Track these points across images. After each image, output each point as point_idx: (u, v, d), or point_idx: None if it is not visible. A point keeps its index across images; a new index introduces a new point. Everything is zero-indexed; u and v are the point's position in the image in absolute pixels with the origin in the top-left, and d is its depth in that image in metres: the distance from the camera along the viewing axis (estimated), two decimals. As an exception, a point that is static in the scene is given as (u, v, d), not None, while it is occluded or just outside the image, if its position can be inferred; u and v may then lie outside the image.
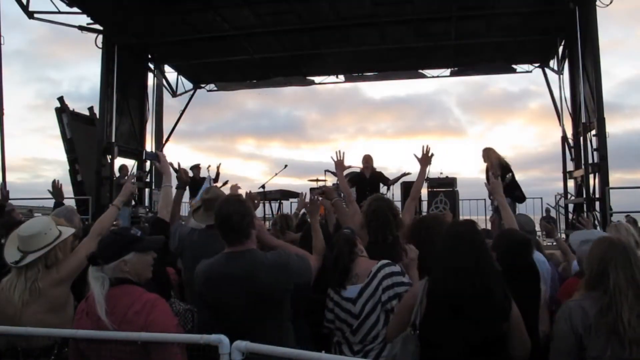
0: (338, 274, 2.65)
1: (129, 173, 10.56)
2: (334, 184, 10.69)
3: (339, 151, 4.03)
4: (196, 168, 10.90)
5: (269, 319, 2.33)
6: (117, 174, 10.72)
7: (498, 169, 7.62)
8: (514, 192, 7.85)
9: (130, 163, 11.83)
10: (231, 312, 2.32)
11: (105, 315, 1.97)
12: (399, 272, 2.65)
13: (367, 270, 2.65)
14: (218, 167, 10.91)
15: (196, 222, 3.49)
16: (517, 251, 2.80)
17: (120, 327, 1.99)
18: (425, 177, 4.12)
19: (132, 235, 2.24)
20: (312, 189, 10.21)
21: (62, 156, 10.99)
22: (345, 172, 4.13)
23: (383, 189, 9.53)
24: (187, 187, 12.17)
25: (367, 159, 9.18)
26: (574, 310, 2.14)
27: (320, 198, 3.43)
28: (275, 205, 10.42)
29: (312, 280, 2.57)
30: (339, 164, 4.00)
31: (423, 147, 3.94)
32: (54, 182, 4.57)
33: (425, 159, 3.92)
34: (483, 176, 8.45)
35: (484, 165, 8.39)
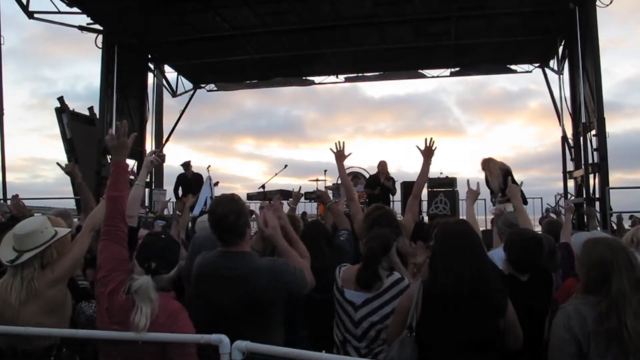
0: (368, 274, 2.54)
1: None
2: (334, 184, 10.72)
3: (339, 142, 3.95)
4: (187, 166, 10.56)
5: (257, 322, 2.32)
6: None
7: (501, 179, 7.49)
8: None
9: (130, 163, 11.82)
10: (220, 312, 2.30)
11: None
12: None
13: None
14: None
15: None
16: (528, 250, 2.76)
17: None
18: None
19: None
20: (307, 193, 10.21)
21: (60, 156, 10.99)
22: (347, 172, 4.08)
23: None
24: (180, 185, 11.81)
25: (383, 165, 9.75)
26: (572, 316, 2.04)
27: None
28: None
29: (306, 289, 2.49)
30: (339, 154, 3.92)
31: (426, 139, 3.83)
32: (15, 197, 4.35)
33: (429, 152, 3.81)
34: (482, 176, 8.44)
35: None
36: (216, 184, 9.76)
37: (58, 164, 3.86)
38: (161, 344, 2.05)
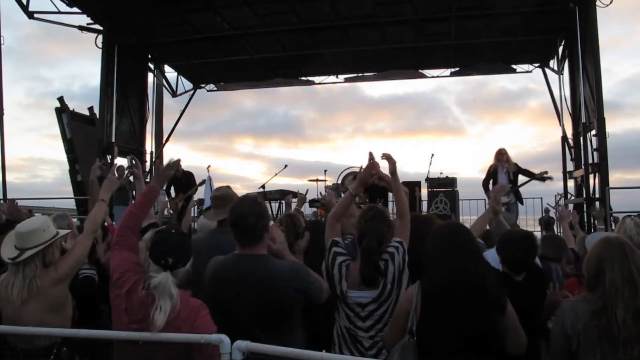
0: (370, 269, 2.54)
1: (124, 173, 10.49)
2: (333, 184, 10.70)
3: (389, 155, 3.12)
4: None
5: (279, 323, 2.33)
6: (115, 174, 10.66)
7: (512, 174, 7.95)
8: (517, 194, 8.01)
9: (124, 162, 11.79)
10: (239, 316, 2.31)
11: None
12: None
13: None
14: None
15: (206, 220, 3.56)
16: (520, 249, 2.77)
17: (165, 330, 2.03)
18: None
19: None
20: (311, 201, 10.20)
21: (59, 156, 11.01)
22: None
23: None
24: (170, 184, 11.75)
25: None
26: (567, 312, 2.12)
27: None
28: (275, 205, 10.42)
29: (323, 299, 2.51)
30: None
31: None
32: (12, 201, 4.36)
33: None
34: (482, 176, 8.45)
35: (485, 165, 8.40)
36: (202, 183, 9.76)
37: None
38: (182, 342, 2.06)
